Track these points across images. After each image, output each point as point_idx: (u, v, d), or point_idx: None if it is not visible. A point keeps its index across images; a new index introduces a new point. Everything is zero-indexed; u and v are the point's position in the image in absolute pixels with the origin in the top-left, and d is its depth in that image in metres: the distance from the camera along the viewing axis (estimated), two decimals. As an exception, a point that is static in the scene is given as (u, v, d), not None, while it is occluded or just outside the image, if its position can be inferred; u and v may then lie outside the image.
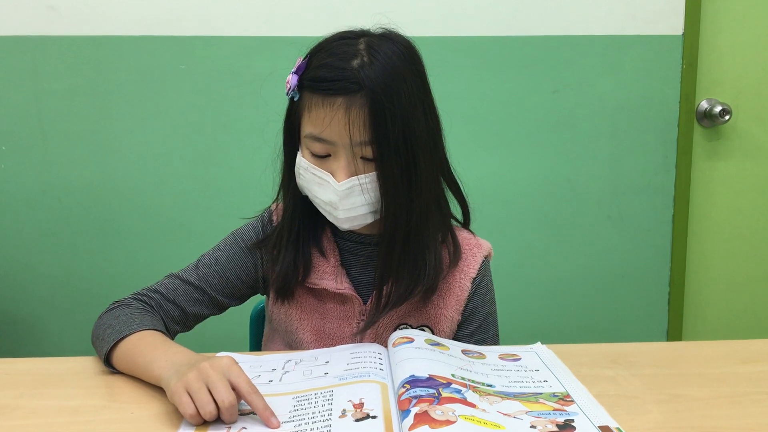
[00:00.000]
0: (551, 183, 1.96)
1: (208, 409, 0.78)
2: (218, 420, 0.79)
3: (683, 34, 1.91)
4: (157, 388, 0.88)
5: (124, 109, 1.86)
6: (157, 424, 0.81)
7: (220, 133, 1.88)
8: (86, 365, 0.98)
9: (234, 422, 0.79)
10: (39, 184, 1.88)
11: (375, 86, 0.92)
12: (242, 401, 0.81)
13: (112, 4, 1.81)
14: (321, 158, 0.97)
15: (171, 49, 1.84)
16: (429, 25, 1.86)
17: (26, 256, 1.91)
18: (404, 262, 1.02)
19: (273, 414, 0.79)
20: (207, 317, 1.12)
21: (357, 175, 0.95)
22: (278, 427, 0.78)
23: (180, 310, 1.07)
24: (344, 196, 0.96)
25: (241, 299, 1.14)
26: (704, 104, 1.99)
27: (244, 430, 0.78)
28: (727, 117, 1.96)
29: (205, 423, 0.79)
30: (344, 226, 1.00)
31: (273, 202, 1.14)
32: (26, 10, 1.80)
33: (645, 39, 1.91)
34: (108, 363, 0.96)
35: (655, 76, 1.93)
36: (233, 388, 0.80)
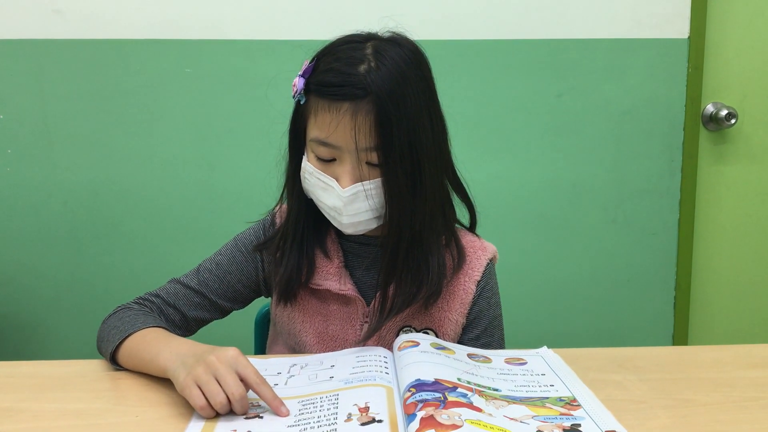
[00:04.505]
0: (556, 187, 1.96)
1: (219, 399, 0.79)
2: (229, 412, 0.81)
3: (689, 37, 1.91)
4: (162, 391, 0.89)
5: (129, 112, 1.86)
6: (162, 427, 0.81)
7: (225, 136, 1.88)
8: (91, 368, 0.98)
9: (245, 413, 0.81)
10: (44, 188, 1.88)
11: (381, 92, 0.92)
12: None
13: (118, 7, 1.81)
14: (326, 162, 0.97)
15: (176, 52, 1.84)
16: (434, 29, 1.86)
17: (31, 259, 1.91)
18: (408, 268, 1.02)
19: (282, 403, 0.81)
20: (209, 321, 1.12)
21: (362, 180, 0.95)
22: (288, 415, 0.80)
23: (180, 315, 1.08)
24: (348, 201, 0.96)
25: (243, 303, 1.14)
26: (710, 108, 1.98)
27: (258, 418, 0.80)
28: (733, 120, 1.95)
29: (215, 416, 0.80)
30: (348, 230, 1.01)
31: (276, 205, 1.14)
32: (31, 14, 1.81)
33: (651, 42, 1.90)
34: (114, 362, 0.97)
35: (660, 79, 1.92)
36: (241, 380, 0.81)
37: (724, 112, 1.95)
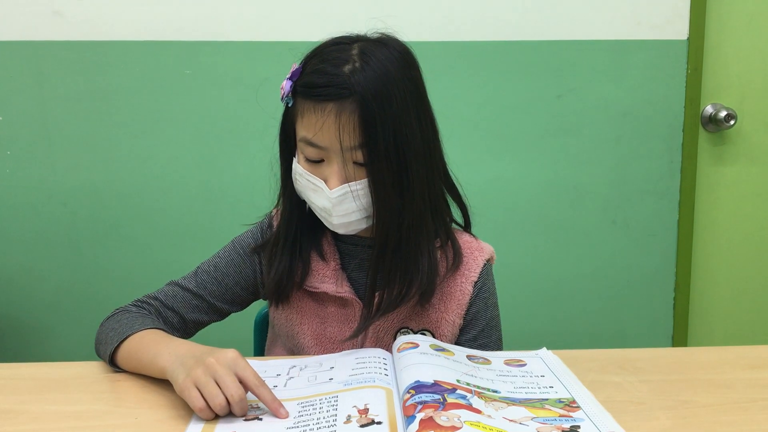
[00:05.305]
0: (556, 187, 1.96)
1: (218, 401, 0.79)
2: (228, 414, 0.81)
3: (688, 38, 1.91)
4: (161, 393, 0.89)
5: (128, 113, 1.86)
6: (161, 429, 0.81)
7: (225, 137, 1.88)
8: (90, 370, 0.98)
9: (244, 415, 0.81)
10: (44, 189, 1.88)
11: (365, 91, 0.92)
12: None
13: (117, 9, 1.81)
14: (315, 163, 0.98)
15: (176, 53, 1.84)
16: (434, 30, 1.85)
17: (31, 260, 1.91)
18: (396, 268, 1.02)
19: (281, 405, 0.81)
20: (207, 324, 1.12)
21: (349, 181, 0.96)
22: (287, 417, 0.80)
23: (179, 317, 1.08)
24: (337, 202, 0.96)
25: (241, 305, 1.14)
26: (709, 109, 1.98)
27: (257, 420, 0.80)
28: (732, 122, 1.95)
29: (215, 418, 0.81)
30: (340, 231, 1.01)
31: (274, 207, 1.14)
32: (32, 15, 1.81)
33: (650, 44, 1.90)
34: (113, 364, 0.97)
35: (660, 80, 1.92)
36: (240, 382, 0.81)
37: (723, 114, 1.95)
